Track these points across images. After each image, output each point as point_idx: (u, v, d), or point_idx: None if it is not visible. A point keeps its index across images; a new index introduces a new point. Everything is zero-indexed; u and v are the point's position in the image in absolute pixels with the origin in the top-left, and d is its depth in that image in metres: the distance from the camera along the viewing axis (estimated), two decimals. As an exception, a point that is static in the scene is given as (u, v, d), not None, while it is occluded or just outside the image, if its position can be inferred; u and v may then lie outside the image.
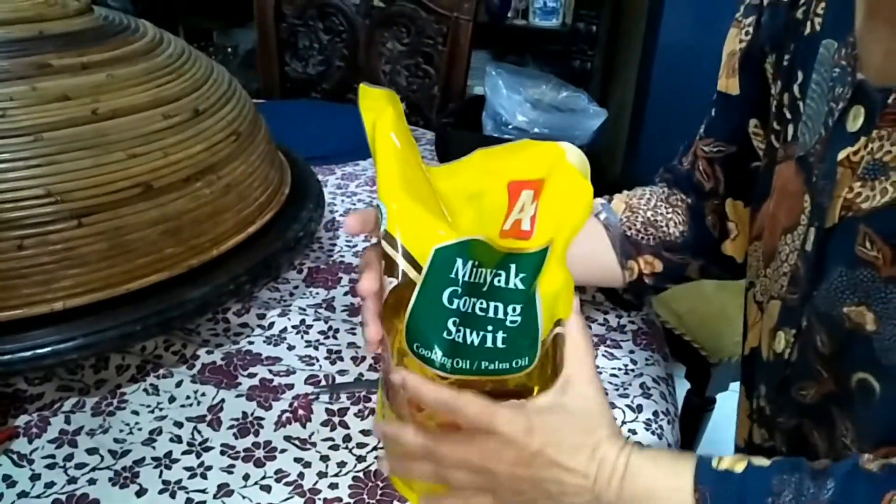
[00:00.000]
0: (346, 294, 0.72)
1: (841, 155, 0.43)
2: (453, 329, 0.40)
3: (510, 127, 0.59)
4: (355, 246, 0.81)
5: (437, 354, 0.40)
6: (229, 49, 2.29)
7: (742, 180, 0.58)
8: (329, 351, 0.63)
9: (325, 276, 0.75)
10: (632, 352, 0.65)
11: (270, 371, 0.60)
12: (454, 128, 0.61)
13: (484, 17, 1.87)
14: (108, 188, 0.59)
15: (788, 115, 0.50)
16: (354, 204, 0.92)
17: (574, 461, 0.41)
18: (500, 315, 0.41)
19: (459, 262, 0.40)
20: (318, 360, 0.62)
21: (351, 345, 0.64)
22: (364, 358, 0.62)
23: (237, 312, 0.68)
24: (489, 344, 0.40)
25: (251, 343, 0.64)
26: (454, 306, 0.40)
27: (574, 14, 1.71)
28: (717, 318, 1.22)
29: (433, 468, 0.42)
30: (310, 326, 0.66)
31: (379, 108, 0.42)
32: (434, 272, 0.40)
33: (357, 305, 0.70)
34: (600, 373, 0.61)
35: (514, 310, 0.40)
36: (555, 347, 0.42)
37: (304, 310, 0.69)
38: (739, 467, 0.40)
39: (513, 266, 0.41)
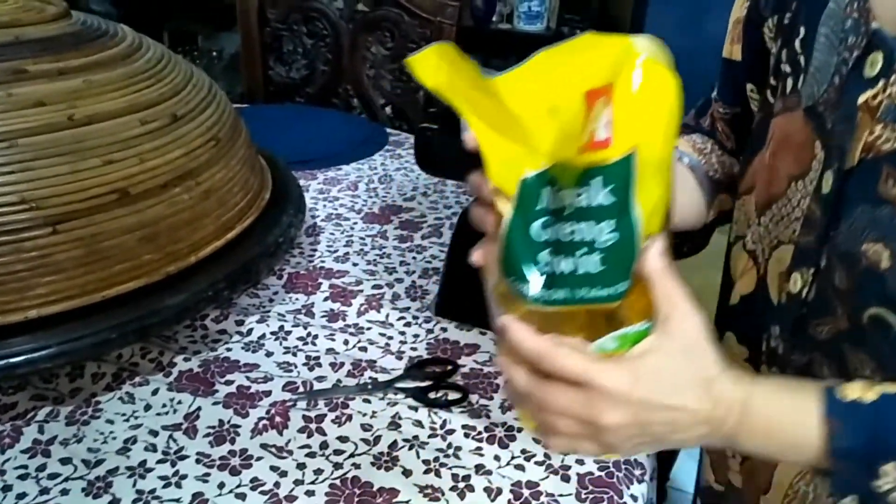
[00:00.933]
0: (325, 300, 0.72)
1: (860, 100, 0.45)
2: (546, 259, 0.39)
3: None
4: (336, 251, 0.81)
5: (531, 287, 0.39)
6: (214, 53, 2.28)
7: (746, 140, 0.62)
8: (307, 357, 0.63)
9: (304, 282, 0.75)
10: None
11: (248, 378, 0.60)
12: (434, 132, 0.61)
13: (469, 22, 1.87)
14: (84, 195, 0.59)
15: (787, 69, 0.53)
16: (336, 209, 0.92)
17: (683, 400, 0.40)
18: (591, 237, 0.39)
19: (545, 189, 0.38)
20: (296, 367, 0.62)
21: (329, 351, 0.64)
22: (342, 364, 0.62)
23: (215, 319, 0.68)
24: (583, 270, 0.39)
25: (229, 350, 0.64)
26: (544, 237, 0.39)
27: (559, 18, 1.72)
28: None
29: (539, 412, 0.42)
30: (288, 333, 0.66)
31: (432, 70, 0.39)
32: (521, 204, 0.38)
33: (335, 312, 0.70)
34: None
35: (604, 229, 0.38)
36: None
37: (283, 316, 0.69)
38: (870, 396, 0.39)
39: (598, 181, 0.39)
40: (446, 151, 0.62)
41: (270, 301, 0.72)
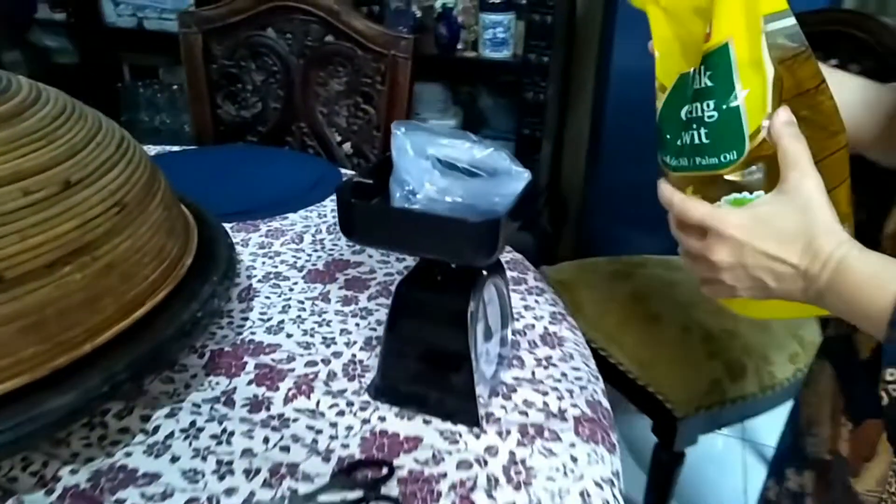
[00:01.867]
0: (249, 383, 0.63)
1: None
2: (678, 134, 0.50)
3: (418, 196, 0.51)
4: (269, 319, 0.73)
5: (668, 158, 0.52)
6: (175, 87, 2.20)
7: None
8: (219, 463, 0.54)
9: (229, 361, 0.66)
10: (572, 445, 0.56)
11: (143, 495, 0.51)
12: (359, 195, 0.53)
13: (433, 50, 1.80)
14: (-54, 283, 0.50)
15: None
16: (276, 266, 0.84)
17: (785, 252, 0.44)
18: (699, 113, 0.47)
19: (692, 81, 0.49)
20: (203, 476, 0.53)
21: (246, 453, 0.55)
22: (259, 470, 0.53)
23: (118, 414, 0.59)
24: (696, 141, 0.48)
25: (128, 455, 0.55)
26: (683, 117, 0.50)
27: (525, 45, 1.65)
28: (683, 364, 1.15)
29: (684, 258, 0.52)
30: (201, 430, 0.57)
31: None
32: (673, 93, 0.51)
33: (259, 399, 0.61)
34: (535, 476, 0.53)
35: (708, 106, 0.47)
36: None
37: (198, 407, 0.60)
38: None
39: (703, 67, 0.47)
40: (370, 219, 0.54)
41: (187, 387, 0.63)
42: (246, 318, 0.73)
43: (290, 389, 0.62)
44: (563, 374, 0.66)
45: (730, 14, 0.46)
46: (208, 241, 0.77)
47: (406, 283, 0.58)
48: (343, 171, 1.14)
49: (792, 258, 0.44)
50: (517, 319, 0.74)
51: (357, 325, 0.72)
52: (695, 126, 0.48)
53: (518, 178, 0.55)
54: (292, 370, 0.65)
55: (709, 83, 0.47)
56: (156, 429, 0.57)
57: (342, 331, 0.71)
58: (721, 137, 0.47)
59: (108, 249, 0.60)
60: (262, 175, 1.10)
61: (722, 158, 0.47)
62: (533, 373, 0.66)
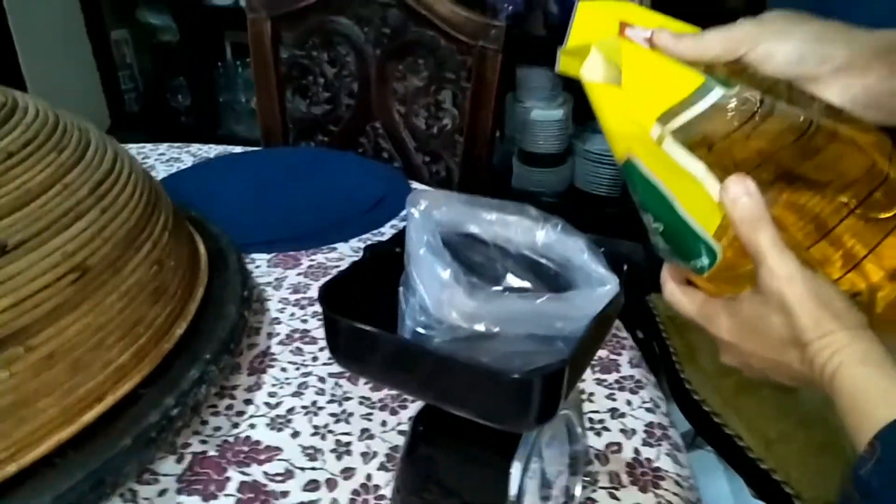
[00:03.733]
0: (230, 511, 0.48)
1: None
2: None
3: (429, 321, 0.33)
4: (276, 406, 0.58)
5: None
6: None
7: None
8: None
9: (209, 473, 0.51)
10: None
11: None
12: (334, 311, 0.36)
13: (541, 31, 1.59)
14: None
15: None
16: (306, 321, 0.69)
17: (784, 357, 0.40)
18: (648, 222, 0.42)
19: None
20: None
21: None
22: None
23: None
24: (662, 247, 0.42)
25: None
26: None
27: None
28: (821, 449, 0.90)
29: None
30: None
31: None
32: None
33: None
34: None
35: (650, 218, 0.41)
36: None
37: (151, 552, 0.46)
38: None
39: (627, 179, 0.42)
40: (363, 346, 0.37)
41: (149, 511, 0.49)
42: (249, 402, 0.58)
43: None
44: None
45: (618, 130, 0.39)
46: (217, 295, 0.63)
47: (425, 417, 0.41)
48: (414, 185, 0.97)
49: (794, 363, 0.39)
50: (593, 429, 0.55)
51: (384, 423, 0.56)
52: (654, 233, 0.41)
53: (598, 286, 0.36)
54: (286, 495, 0.49)
55: (637, 197, 0.41)
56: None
57: (363, 432, 0.55)
58: (680, 247, 0.40)
59: (51, 334, 0.47)
60: (318, 189, 0.96)
61: (697, 266, 0.40)
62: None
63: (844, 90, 0.41)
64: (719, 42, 0.41)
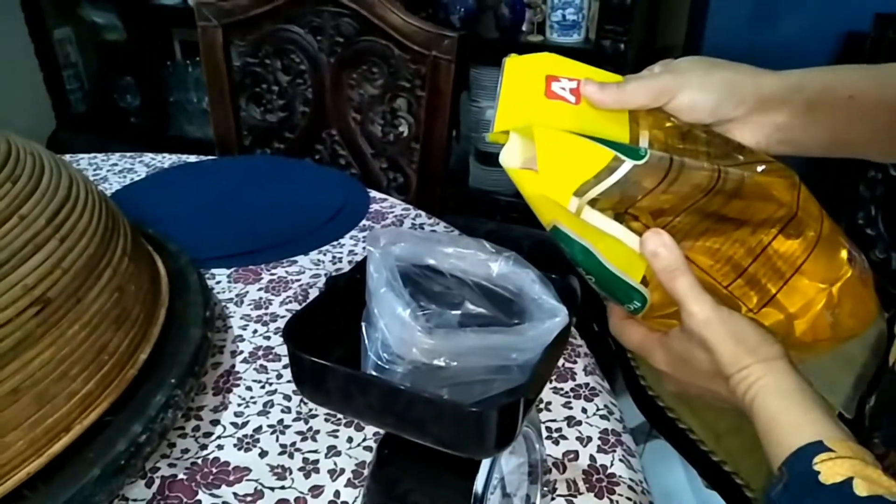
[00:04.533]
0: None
1: None
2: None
3: (391, 356, 0.34)
4: (243, 426, 0.59)
5: None
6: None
7: None
8: None
9: (179, 494, 0.52)
10: None
11: None
12: (298, 346, 0.37)
13: (494, 33, 1.61)
14: None
15: None
16: (269, 337, 0.70)
17: (715, 386, 0.43)
18: (580, 271, 0.44)
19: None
20: None
21: None
22: None
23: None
24: (597, 290, 0.45)
25: None
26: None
27: (598, 29, 1.44)
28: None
29: None
30: None
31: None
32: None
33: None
34: None
35: (581, 271, 0.44)
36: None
37: (123, 580, 0.47)
38: (834, 478, 0.35)
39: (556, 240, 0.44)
40: (327, 381, 0.38)
41: (119, 538, 0.50)
42: (216, 422, 0.59)
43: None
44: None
45: (540, 205, 0.42)
46: (180, 316, 0.64)
47: (389, 442, 0.43)
48: (371, 193, 0.98)
49: (722, 391, 0.43)
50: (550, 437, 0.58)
51: (350, 440, 0.57)
52: (589, 282, 0.45)
53: (549, 317, 0.38)
54: (254, 516, 0.51)
55: (569, 256, 0.43)
56: None
57: (329, 449, 0.56)
58: (614, 293, 0.44)
59: (15, 368, 0.47)
60: (276, 199, 0.96)
61: (631, 308, 0.45)
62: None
63: (757, 130, 0.45)
64: (642, 94, 0.44)
